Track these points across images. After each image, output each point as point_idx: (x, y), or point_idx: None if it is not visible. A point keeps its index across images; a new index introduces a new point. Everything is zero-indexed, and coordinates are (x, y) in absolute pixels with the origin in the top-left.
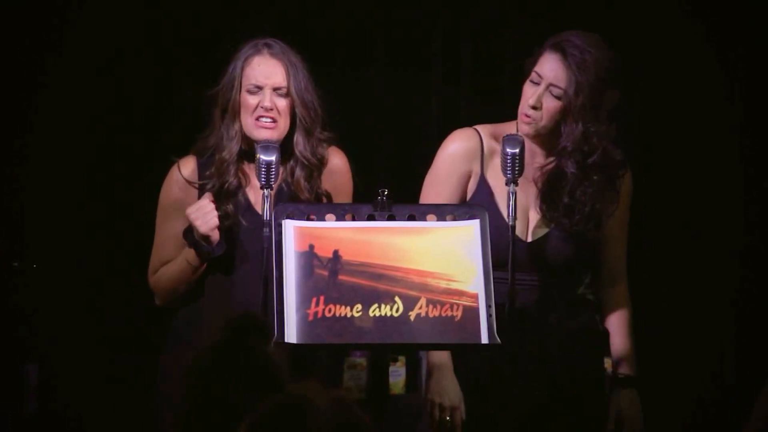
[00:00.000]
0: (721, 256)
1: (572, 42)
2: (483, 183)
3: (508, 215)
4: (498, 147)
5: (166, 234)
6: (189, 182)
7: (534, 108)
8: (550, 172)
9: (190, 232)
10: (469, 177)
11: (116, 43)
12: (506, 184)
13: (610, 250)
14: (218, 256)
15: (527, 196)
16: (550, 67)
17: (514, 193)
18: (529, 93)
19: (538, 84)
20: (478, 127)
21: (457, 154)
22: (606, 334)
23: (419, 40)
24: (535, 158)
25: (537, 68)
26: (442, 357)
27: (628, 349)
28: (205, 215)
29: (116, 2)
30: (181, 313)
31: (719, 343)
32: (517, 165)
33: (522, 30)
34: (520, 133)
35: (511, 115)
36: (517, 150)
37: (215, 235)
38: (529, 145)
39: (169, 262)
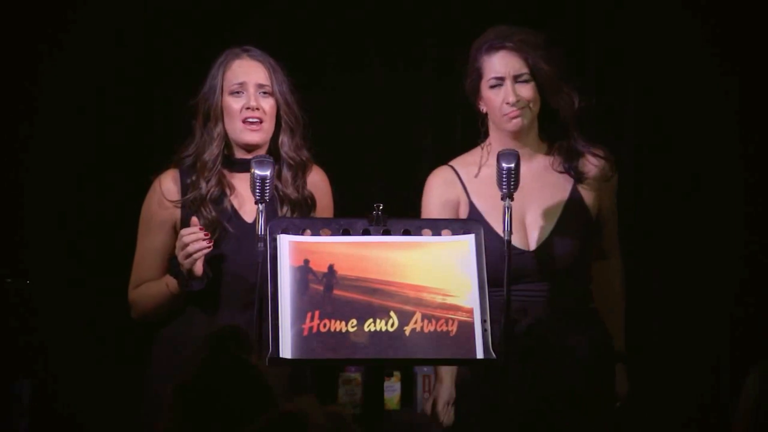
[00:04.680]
0: (719, 260)
1: (500, 35)
2: (473, 208)
3: (503, 230)
4: (475, 170)
5: (146, 249)
6: (171, 201)
7: (517, 102)
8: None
9: (175, 259)
10: (458, 203)
11: (117, 43)
12: (502, 199)
13: (603, 230)
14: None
15: (521, 204)
16: (502, 64)
17: (509, 208)
18: (501, 94)
19: (501, 84)
20: (451, 162)
21: (440, 187)
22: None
23: (412, 40)
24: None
25: (489, 74)
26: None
27: (619, 323)
28: (191, 249)
29: (117, 3)
30: (167, 328)
31: (716, 347)
32: (512, 179)
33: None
34: (511, 128)
35: None
36: (513, 164)
37: (197, 269)
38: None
39: (151, 282)
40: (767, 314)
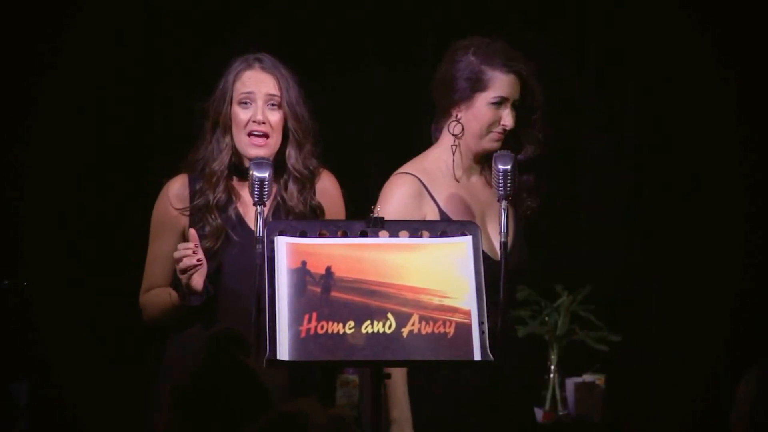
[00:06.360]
0: (719, 260)
1: (512, 56)
2: (443, 216)
3: (500, 231)
4: (437, 176)
5: (155, 254)
6: (177, 209)
7: (508, 128)
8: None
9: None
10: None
11: (117, 43)
12: (498, 201)
13: None
14: (212, 268)
15: (483, 214)
16: (513, 86)
17: (506, 210)
18: (498, 115)
19: (500, 104)
20: (410, 171)
21: (408, 198)
22: None
23: (412, 40)
24: (471, 175)
25: (497, 92)
26: (402, 412)
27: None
28: (182, 265)
29: (117, 3)
30: (174, 338)
31: (716, 347)
32: (509, 181)
33: (516, 32)
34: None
35: None
36: (509, 166)
37: (196, 284)
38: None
39: (159, 289)
40: (767, 314)
